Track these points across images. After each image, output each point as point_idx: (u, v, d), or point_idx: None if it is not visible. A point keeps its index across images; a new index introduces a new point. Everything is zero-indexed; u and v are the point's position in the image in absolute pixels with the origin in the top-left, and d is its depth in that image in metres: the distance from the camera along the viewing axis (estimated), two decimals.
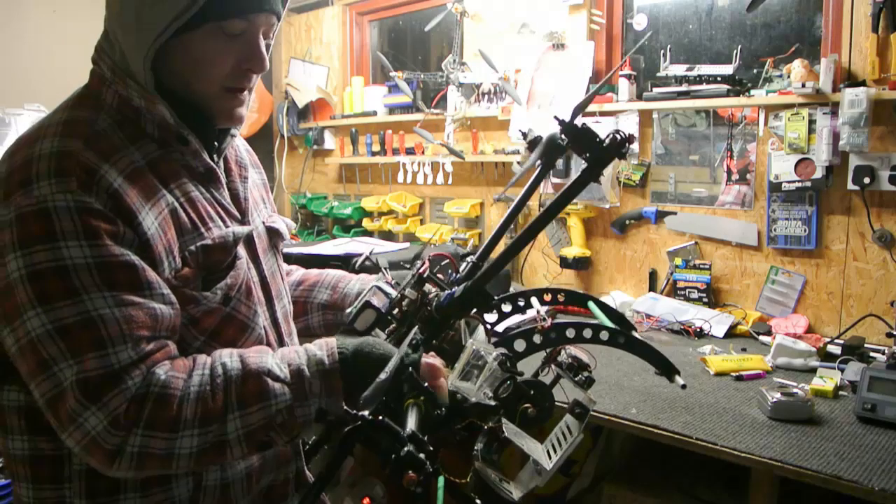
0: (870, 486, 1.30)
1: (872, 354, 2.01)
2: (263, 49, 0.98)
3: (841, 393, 1.77)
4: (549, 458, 0.89)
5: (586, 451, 2.43)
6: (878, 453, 1.43)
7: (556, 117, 0.91)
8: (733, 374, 1.92)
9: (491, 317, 1.06)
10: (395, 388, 0.82)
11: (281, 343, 1.11)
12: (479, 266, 1.03)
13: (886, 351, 1.97)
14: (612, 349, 2.15)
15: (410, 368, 0.84)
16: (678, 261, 2.58)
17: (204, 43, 0.94)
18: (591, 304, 1.06)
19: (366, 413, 0.75)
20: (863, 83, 2.13)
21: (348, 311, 1.10)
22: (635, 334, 1.01)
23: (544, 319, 0.95)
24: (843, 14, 2.21)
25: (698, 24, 2.67)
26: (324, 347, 0.95)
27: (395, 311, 1.03)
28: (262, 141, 4.12)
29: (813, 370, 1.91)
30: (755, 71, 2.48)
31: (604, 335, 0.93)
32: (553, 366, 0.95)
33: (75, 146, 0.88)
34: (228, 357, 0.92)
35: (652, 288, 2.68)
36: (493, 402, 0.84)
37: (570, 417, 0.92)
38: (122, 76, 0.95)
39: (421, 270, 1.04)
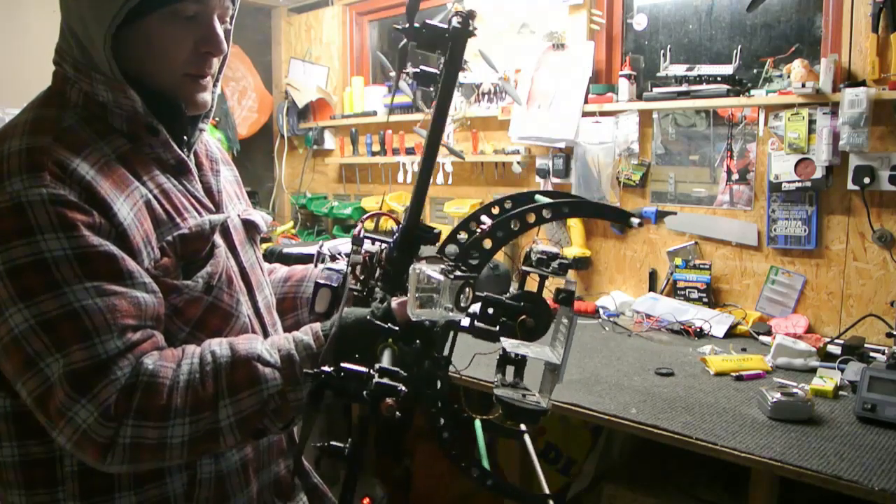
0: (870, 486, 1.30)
1: (872, 354, 2.00)
2: (220, 31, 0.98)
3: (841, 393, 1.77)
4: (558, 352, 0.89)
5: (586, 451, 2.43)
6: (878, 453, 1.43)
7: (394, 27, 0.91)
8: (733, 374, 1.91)
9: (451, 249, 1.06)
10: (358, 341, 0.84)
11: (265, 332, 1.12)
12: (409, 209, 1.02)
13: (886, 351, 1.97)
14: (611, 350, 2.14)
15: (374, 319, 0.86)
16: (678, 261, 2.58)
17: (160, 27, 0.93)
18: (537, 196, 1.05)
19: (326, 367, 0.76)
20: (863, 83, 2.13)
21: (305, 285, 1.10)
22: (574, 200, 0.99)
23: (483, 223, 0.95)
24: (843, 14, 2.21)
25: (698, 24, 2.67)
26: (309, 332, 0.95)
27: (356, 282, 1.03)
28: (262, 141, 4.13)
29: (813, 370, 1.91)
30: (755, 71, 2.48)
31: (547, 213, 0.91)
32: (526, 267, 0.96)
33: (45, 142, 0.88)
34: (218, 345, 0.92)
35: (652, 288, 2.68)
36: (460, 315, 0.83)
37: (560, 308, 0.93)
38: (87, 71, 0.94)
39: (356, 232, 1.04)
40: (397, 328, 0.85)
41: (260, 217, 1.19)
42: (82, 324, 0.83)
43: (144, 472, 0.94)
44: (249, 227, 1.16)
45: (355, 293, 1.04)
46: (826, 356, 2.06)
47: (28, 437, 0.93)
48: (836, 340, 2.15)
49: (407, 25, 0.88)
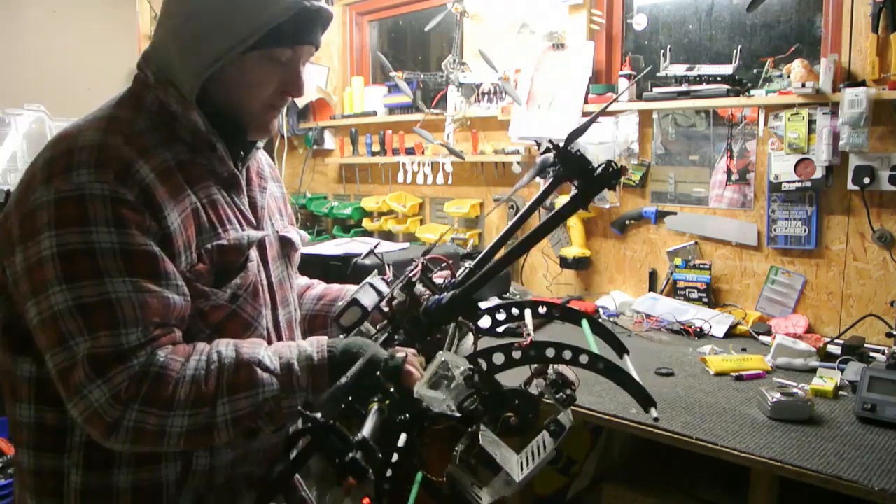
0: (870, 486, 1.30)
1: (872, 354, 2.00)
2: (304, 77, 1.09)
3: (841, 393, 1.77)
4: (522, 470, 0.90)
5: (586, 451, 2.43)
6: (878, 453, 1.43)
7: (550, 142, 0.93)
8: (733, 374, 1.91)
9: (485, 321, 1.07)
10: (362, 392, 0.87)
11: None
12: (474, 273, 1.05)
13: (886, 351, 1.97)
14: (611, 350, 2.14)
15: (379, 373, 0.88)
16: (678, 261, 2.58)
17: (255, 67, 1.03)
18: (584, 323, 1.06)
19: (318, 415, 0.78)
20: (863, 83, 2.13)
21: (338, 304, 1.14)
22: (615, 362, 1.00)
23: (528, 335, 0.97)
24: (843, 14, 2.21)
25: (698, 24, 2.67)
26: (315, 345, 1.01)
27: (386, 308, 1.05)
28: None
29: (813, 370, 1.91)
30: (755, 71, 2.48)
31: (583, 359, 0.93)
32: (537, 380, 0.96)
33: (115, 141, 0.96)
34: (225, 346, 0.97)
35: (652, 288, 2.68)
36: (456, 415, 0.86)
37: (545, 434, 0.93)
38: (165, 83, 1.02)
39: (411, 274, 1.06)
40: (396, 394, 0.87)
41: (297, 235, 1.26)
42: (114, 313, 0.90)
43: (144, 455, 1.01)
44: (285, 243, 1.22)
45: (383, 319, 1.07)
46: (826, 356, 2.06)
47: (45, 403, 1.00)
48: (836, 340, 2.15)
49: (562, 146, 0.93)
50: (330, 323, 1.31)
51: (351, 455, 0.75)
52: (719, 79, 2.44)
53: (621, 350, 1.07)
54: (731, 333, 2.33)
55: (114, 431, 0.90)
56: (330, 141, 3.81)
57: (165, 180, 0.98)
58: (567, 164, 0.92)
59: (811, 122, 2.24)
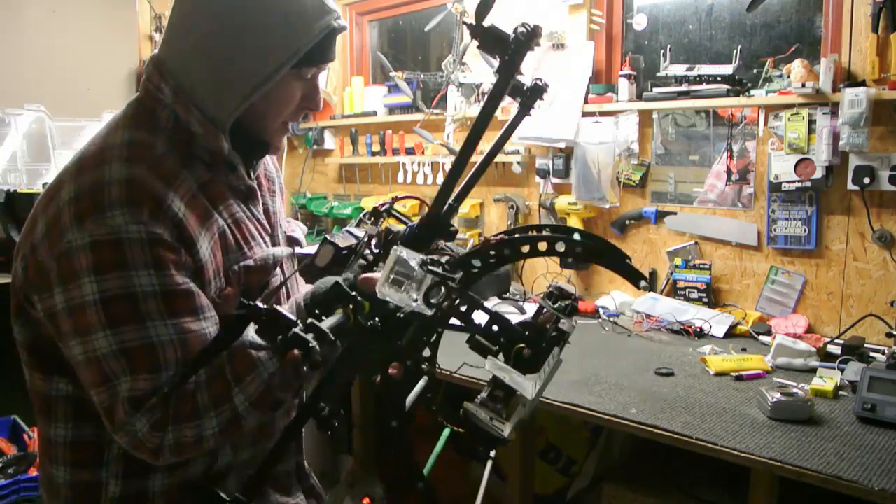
0: (870, 486, 1.30)
1: (872, 354, 2.00)
2: (321, 92, 1.11)
3: (841, 393, 1.77)
4: (535, 386, 0.89)
5: (586, 451, 2.43)
6: (878, 453, 1.43)
7: (464, 22, 0.92)
8: (733, 374, 1.91)
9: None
10: (324, 300, 0.89)
11: None
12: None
13: (886, 351, 1.97)
14: (611, 350, 2.14)
15: (344, 284, 0.90)
16: (678, 261, 2.58)
17: (286, 84, 1.03)
18: (576, 235, 1.06)
19: (260, 304, 0.79)
20: (863, 83, 2.13)
21: (309, 288, 1.15)
22: (591, 242, 0.98)
23: (498, 235, 0.96)
24: (843, 14, 2.21)
25: (698, 24, 2.67)
26: (294, 306, 1.03)
27: (368, 252, 1.06)
28: None
29: (813, 370, 1.91)
30: (755, 71, 2.48)
31: (560, 246, 0.89)
32: (543, 302, 0.95)
33: (141, 172, 0.94)
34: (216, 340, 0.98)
35: (652, 288, 2.68)
36: (429, 311, 0.83)
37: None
38: (185, 102, 0.99)
39: (380, 205, 1.07)
40: (359, 298, 0.88)
41: (300, 231, 1.28)
42: (156, 357, 0.93)
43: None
44: (292, 243, 1.24)
45: (364, 262, 1.07)
46: (826, 356, 2.06)
47: (83, 419, 1.02)
48: (836, 340, 2.15)
49: (474, 23, 0.91)
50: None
51: (293, 330, 0.77)
52: (719, 79, 2.44)
53: (615, 252, 1.06)
54: (731, 333, 2.33)
55: (159, 453, 0.93)
56: (330, 141, 3.81)
57: (194, 209, 0.98)
58: (483, 38, 0.91)
59: (811, 122, 2.24)
